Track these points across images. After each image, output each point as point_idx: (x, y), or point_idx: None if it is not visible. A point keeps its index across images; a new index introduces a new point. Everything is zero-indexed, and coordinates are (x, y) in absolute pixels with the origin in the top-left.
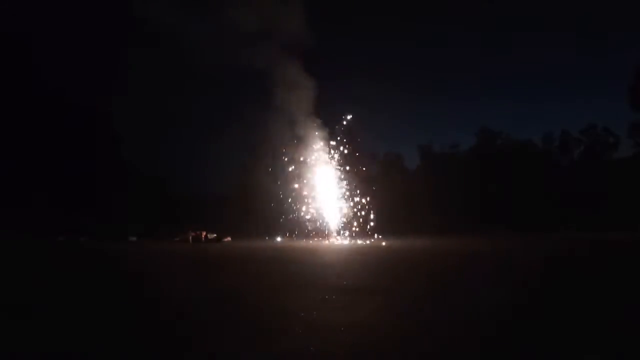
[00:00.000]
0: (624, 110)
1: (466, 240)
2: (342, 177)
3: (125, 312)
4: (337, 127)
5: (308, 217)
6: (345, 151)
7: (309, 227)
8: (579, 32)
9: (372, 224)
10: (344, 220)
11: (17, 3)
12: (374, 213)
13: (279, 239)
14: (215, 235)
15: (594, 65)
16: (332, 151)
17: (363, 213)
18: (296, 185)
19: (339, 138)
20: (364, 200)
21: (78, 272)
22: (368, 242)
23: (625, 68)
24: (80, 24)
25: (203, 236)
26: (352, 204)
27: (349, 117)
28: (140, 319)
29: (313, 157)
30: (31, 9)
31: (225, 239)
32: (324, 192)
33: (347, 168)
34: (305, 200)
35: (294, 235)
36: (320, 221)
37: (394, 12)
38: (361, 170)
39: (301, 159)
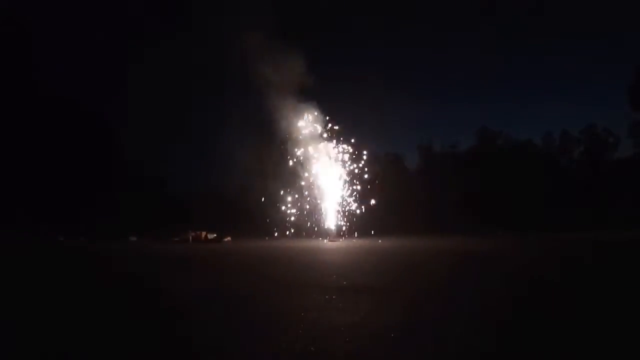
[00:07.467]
0: (624, 110)
1: (466, 241)
2: (341, 176)
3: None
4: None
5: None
6: (345, 152)
7: (309, 227)
8: (579, 31)
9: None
10: (343, 220)
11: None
12: (373, 213)
13: (274, 236)
14: (215, 235)
15: (594, 65)
16: (331, 149)
17: (363, 212)
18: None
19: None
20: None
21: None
22: (367, 242)
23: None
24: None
25: (203, 236)
26: (350, 203)
27: (329, 125)
28: (138, 319)
29: (312, 155)
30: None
31: (226, 239)
32: (324, 192)
33: (346, 168)
34: (305, 200)
35: (292, 235)
36: (320, 221)
37: (394, 12)
38: (360, 170)
39: (300, 157)
